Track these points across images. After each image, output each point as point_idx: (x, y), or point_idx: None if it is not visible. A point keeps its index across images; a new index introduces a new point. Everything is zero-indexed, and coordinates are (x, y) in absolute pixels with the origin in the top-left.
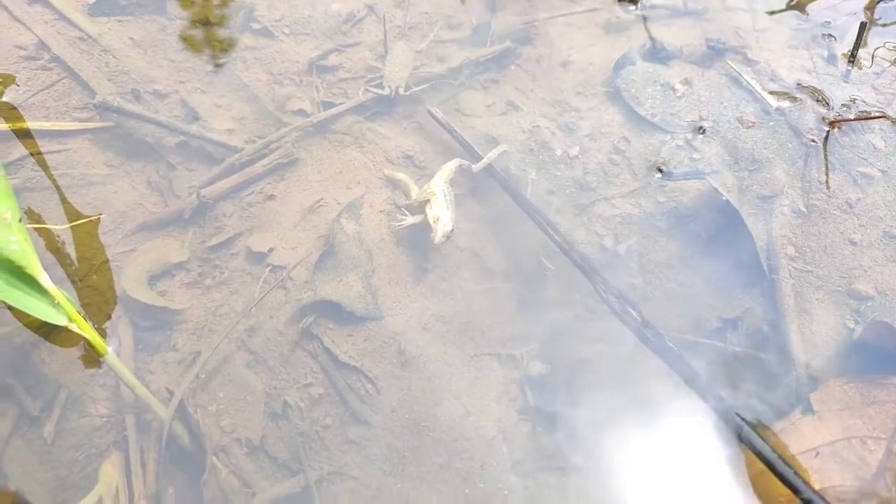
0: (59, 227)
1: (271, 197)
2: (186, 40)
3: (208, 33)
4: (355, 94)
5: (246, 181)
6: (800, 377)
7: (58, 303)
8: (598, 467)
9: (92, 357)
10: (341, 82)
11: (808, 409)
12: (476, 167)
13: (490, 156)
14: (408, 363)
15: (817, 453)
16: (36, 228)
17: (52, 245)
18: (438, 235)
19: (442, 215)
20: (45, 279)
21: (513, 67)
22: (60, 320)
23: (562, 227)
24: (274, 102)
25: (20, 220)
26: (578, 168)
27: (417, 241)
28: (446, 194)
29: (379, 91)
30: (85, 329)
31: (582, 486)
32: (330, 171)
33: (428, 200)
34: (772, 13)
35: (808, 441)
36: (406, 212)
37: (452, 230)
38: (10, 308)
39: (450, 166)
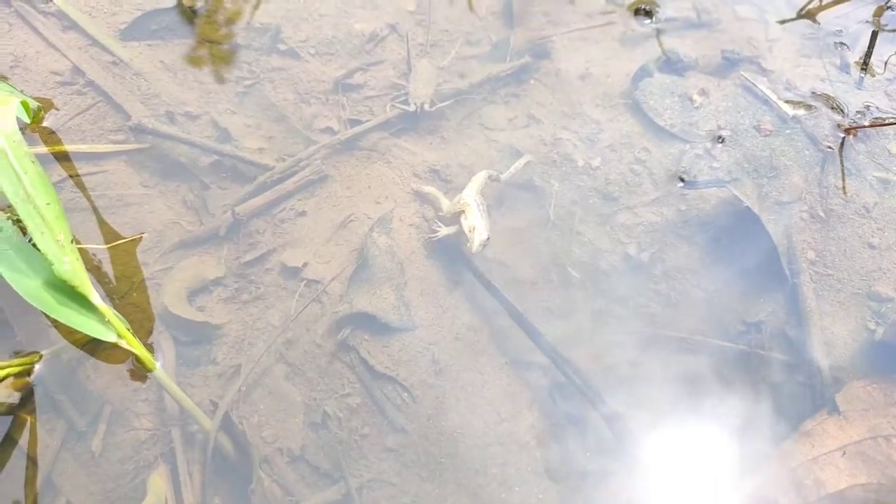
0: (102, 246)
1: (303, 213)
2: (215, 63)
3: (236, 55)
4: (380, 111)
5: (278, 198)
6: (824, 378)
7: (108, 320)
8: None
9: (139, 372)
10: (366, 100)
11: (834, 410)
12: (504, 177)
13: (516, 165)
14: (441, 372)
15: (844, 452)
16: (79, 249)
17: (91, 265)
18: (476, 244)
19: (477, 224)
20: (95, 298)
21: (532, 81)
22: (110, 337)
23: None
24: (302, 121)
25: (72, 242)
26: (600, 178)
27: (446, 252)
28: (479, 204)
29: (405, 107)
30: (134, 345)
31: (613, 488)
32: (359, 187)
33: (462, 211)
34: (783, 22)
35: (834, 441)
36: (440, 223)
37: (488, 238)
38: (56, 325)
39: (480, 177)
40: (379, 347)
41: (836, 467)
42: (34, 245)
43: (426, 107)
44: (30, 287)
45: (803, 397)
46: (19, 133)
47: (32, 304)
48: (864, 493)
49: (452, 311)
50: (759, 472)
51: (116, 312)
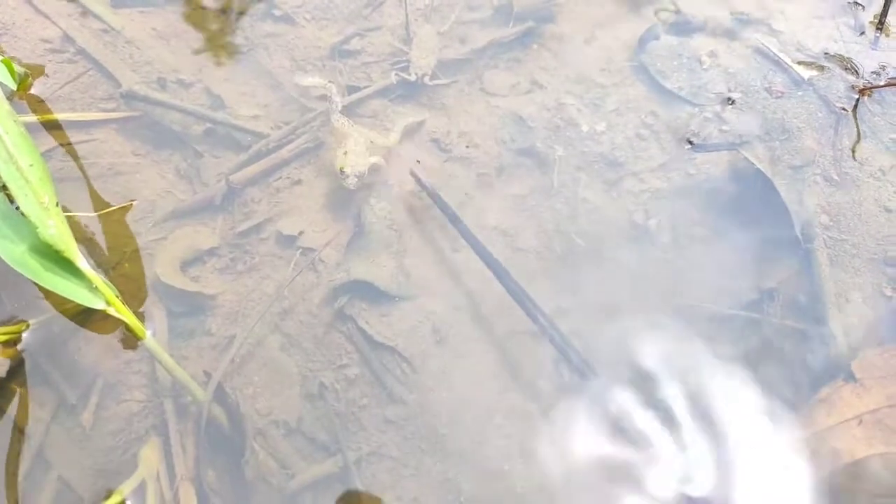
0: (90, 214)
1: (299, 181)
2: (209, 29)
3: (230, 21)
4: (379, 77)
5: (273, 166)
6: (839, 346)
7: (95, 287)
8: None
9: (129, 341)
10: (364, 66)
11: (850, 378)
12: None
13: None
14: (442, 341)
15: (860, 421)
16: (67, 217)
17: (82, 235)
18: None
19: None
20: (82, 263)
21: (535, 46)
22: (98, 304)
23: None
24: (298, 88)
25: (57, 205)
26: (606, 143)
27: (447, 221)
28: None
29: (406, 76)
30: (123, 312)
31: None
32: None
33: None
34: None
35: (851, 409)
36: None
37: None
38: (47, 295)
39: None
40: (377, 317)
41: (853, 436)
42: (22, 213)
43: (426, 80)
44: (15, 253)
45: (818, 365)
46: (1, 93)
47: (18, 270)
48: (883, 462)
49: (453, 279)
50: (773, 442)
51: (105, 279)
